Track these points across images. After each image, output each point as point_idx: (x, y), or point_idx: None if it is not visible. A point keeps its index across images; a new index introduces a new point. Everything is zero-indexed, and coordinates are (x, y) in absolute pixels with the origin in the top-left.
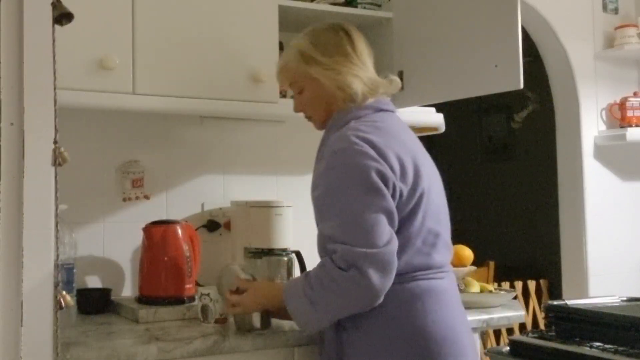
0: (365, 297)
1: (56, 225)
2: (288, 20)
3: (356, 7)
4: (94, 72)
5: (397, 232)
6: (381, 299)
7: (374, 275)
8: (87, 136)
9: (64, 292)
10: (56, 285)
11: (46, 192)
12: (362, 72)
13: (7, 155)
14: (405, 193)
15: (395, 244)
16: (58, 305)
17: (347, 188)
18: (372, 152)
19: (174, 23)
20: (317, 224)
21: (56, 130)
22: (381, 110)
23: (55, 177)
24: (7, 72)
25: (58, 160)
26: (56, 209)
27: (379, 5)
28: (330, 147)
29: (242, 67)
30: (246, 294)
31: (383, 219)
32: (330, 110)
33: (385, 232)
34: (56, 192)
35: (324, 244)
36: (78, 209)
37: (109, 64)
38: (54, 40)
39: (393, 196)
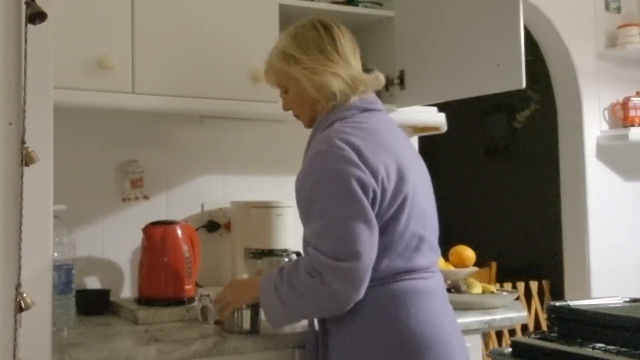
0: (329, 306)
1: (19, 226)
2: (289, 20)
3: (357, 5)
4: (93, 71)
5: (379, 236)
6: (347, 308)
7: (339, 288)
8: (86, 136)
9: (24, 294)
10: (17, 287)
11: (44, 192)
12: (342, 70)
13: (6, 155)
14: (387, 198)
15: (370, 256)
16: (18, 307)
17: (327, 194)
18: (354, 157)
19: (173, 22)
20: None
21: (24, 130)
22: (367, 110)
23: (22, 177)
24: (5, 72)
25: (25, 160)
26: (21, 210)
27: (381, 4)
28: (314, 149)
29: (242, 66)
30: (224, 290)
31: (361, 228)
32: (315, 109)
33: (361, 242)
34: (22, 193)
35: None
36: (77, 209)
37: (108, 63)
38: (26, 41)
39: (373, 202)
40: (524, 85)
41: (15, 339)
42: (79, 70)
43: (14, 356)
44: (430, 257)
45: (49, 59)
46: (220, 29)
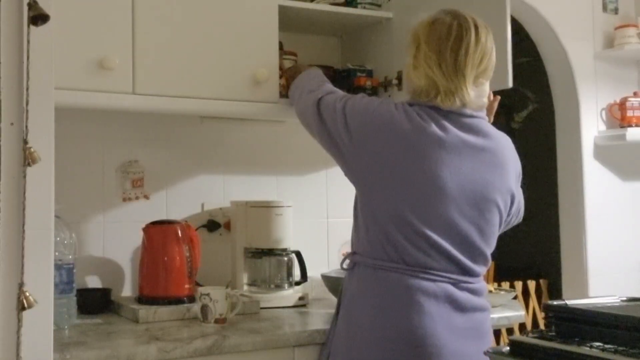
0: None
1: (23, 226)
2: (288, 20)
3: (356, 7)
4: (94, 72)
5: (381, 223)
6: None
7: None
8: (87, 136)
9: (27, 294)
10: (21, 286)
11: (46, 192)
12: (443, 80)
13: (7, 155)
14: (387, 186)
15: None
16: (21, 306)
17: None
18: (394, 108)
19: (174, 23)
20: None
21: (27, 130)
22: (437, 109)
23: (25, 177)
24: (7, 72)
25: (28, 160)
26: (24, 210)
27: (379, 5)
28: None
29: (242, 67)
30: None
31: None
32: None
33: (329, 103)
34: (24, 193)
35: None
36: (78, 209)
37: (109, 64)
38: (28, 42)
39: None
40: (510, 84)
41: (18, 338)
42: (79, 71)
43: (17, 355)
44: (439, 261)
45: (50, 60)
46: (220, 30)
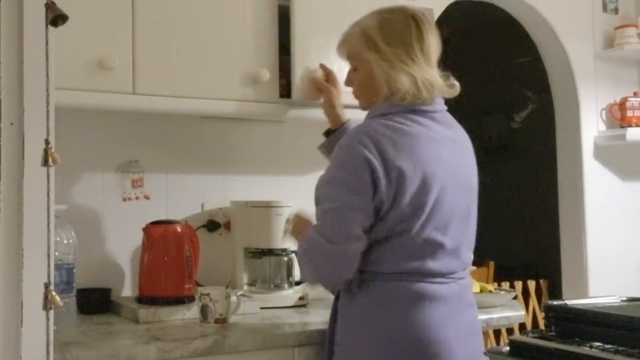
0: (315, 282)
1: (48, 225)
2: (288, 20)
3: None
4: (94, 72)
5: (389, 238)
6: (335, 285)
7: (321, 268)
8: (87, 136)
9: (53, 293)
10: (47, 286)
11: (45, 192)
12: (419, 71)
13: (7, 155)
14: (402, 203)
15: (357, 242)
16: (49, 306)
17: (338, 183)
18: (372, 149)
19: (174, 23)
20: None
21: (48, 131)
22: (414, 110)
23: (48, 177)
24: (7, 72)
25: (49, 160)
26: (49, 209)
27: None
28: (344, 139)
29: (243, 67)
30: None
31: (356, 217)
32: (376, 97)
33: (351, 230)
34: (49, 193)
35: None
36: (78, 209)
37: (109, 64)
38: (47, 41)
39: (381, 202)
40: None
41: (47, 336)
42: (80, 71)
43: (48, 355)
44: (448, 262)
45: (51, 60)
46: (220, 30)
